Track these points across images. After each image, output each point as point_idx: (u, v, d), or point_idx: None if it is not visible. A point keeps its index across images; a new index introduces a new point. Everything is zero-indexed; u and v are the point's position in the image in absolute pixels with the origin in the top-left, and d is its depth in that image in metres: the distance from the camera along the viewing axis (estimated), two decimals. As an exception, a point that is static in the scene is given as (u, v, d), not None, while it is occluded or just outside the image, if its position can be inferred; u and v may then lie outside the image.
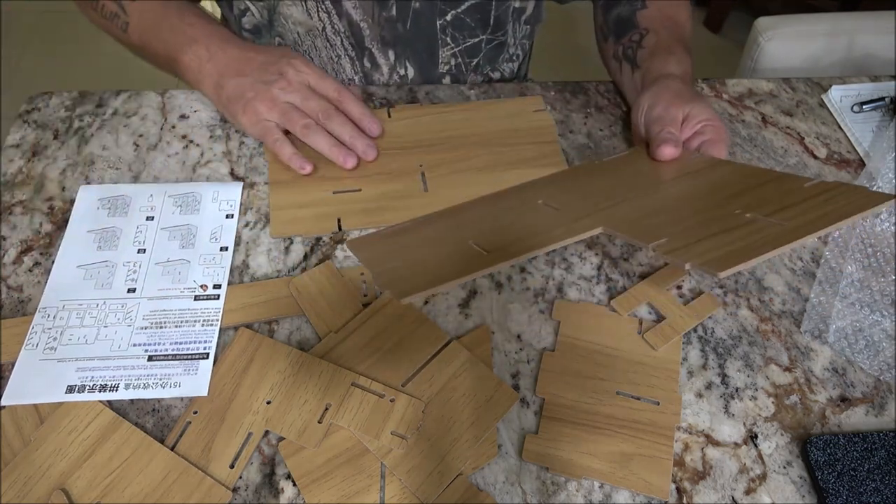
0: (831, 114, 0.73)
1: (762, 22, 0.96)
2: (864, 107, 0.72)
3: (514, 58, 0.82)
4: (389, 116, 0.68)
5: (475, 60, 0.78)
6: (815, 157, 0.69)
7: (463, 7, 0.72)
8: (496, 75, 0.82)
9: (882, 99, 0.72)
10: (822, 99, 0.74)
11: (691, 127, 0.60)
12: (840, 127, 0.71)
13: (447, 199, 0.61)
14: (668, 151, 0.57)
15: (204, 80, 0.63)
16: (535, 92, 0.72)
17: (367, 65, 0.76)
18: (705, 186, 0.53)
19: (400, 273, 0.48)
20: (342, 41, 0.74)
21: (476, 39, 0.76)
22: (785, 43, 0.95)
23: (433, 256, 0.50)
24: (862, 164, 0.68)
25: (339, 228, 0.60)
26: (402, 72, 0.76)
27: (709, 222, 0.46)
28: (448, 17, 0.73)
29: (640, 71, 0.67)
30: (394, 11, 0.71)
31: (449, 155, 0.65)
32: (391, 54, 0.75)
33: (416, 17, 0.72)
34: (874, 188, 0.64)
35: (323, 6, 0.70)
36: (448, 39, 0.75)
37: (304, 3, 0.70)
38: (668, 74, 0.63)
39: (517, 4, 0.75)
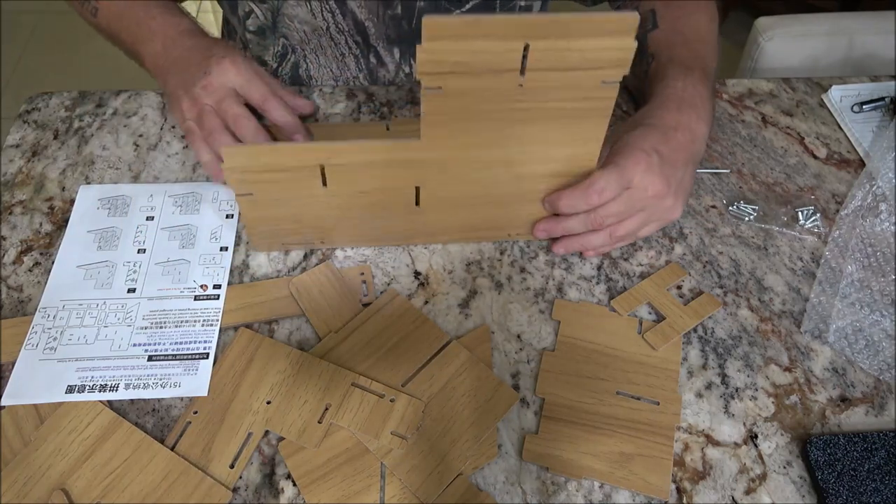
0: (831, 114, 0.72)
1: (762, 22, 0.96)
2: (864, 107, 0.72)
3: None
4: (388, 130, 0.64)
5: None
6: (815, 157, 0.68)
7: (467, 6, 0.72)
8: None
9: (882, 99, 0.72)
10: (822, 99, 0.74)
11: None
12: (840, 127, 0.71)
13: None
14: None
15: (158, 77, 0.64)
16: None
17: (373, 62, 0.76)
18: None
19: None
20: (346, 40, 0.74)
21: None
22: (785, 43, 0.95)
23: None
24: (862, 164, 0.68)
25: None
26: (407, 69, 0.76)
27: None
28: None
29: None
30: (399, 10, 0.71)
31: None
32: (396, 52, 0.75)
33: (420, 15, 0.72)
34: (874, 188, 0.64)
35: (327, 6, 0.70)
36: None
37: (308, 4, 0.70)
38: (641, 113, 0.60)
39: (523, 3, 0.75)
